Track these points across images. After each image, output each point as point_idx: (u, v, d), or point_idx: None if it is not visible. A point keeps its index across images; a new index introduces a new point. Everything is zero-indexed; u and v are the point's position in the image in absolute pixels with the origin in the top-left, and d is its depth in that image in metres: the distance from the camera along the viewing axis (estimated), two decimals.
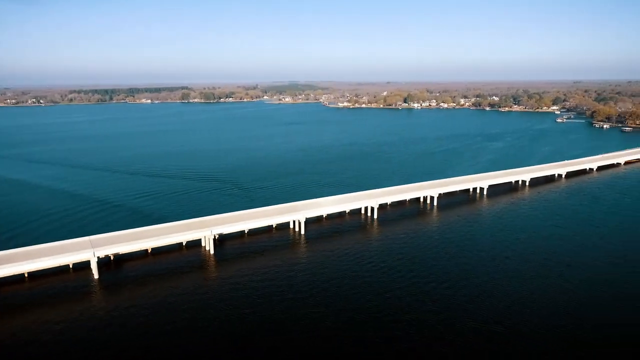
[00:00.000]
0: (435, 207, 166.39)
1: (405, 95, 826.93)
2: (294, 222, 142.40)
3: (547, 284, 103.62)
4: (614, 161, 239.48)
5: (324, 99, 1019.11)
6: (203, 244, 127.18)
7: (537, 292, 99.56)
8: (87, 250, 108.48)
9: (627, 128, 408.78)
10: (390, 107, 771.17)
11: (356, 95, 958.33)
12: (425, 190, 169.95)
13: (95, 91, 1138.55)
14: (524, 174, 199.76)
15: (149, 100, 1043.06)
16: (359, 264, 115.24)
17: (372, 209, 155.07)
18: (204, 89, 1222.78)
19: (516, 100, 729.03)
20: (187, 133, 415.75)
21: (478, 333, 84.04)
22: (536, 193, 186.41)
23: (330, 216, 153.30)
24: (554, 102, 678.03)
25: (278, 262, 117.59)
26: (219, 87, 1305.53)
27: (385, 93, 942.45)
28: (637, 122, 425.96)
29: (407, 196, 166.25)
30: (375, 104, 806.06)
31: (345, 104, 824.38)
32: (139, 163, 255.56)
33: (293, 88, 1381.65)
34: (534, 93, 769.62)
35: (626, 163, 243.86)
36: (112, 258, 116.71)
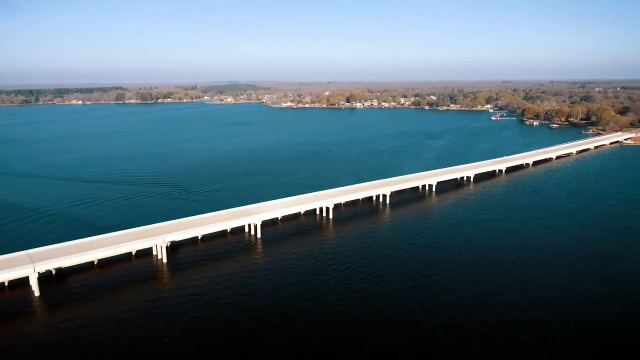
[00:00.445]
0: (388, 205, 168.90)
1: (348, 95, 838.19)
2: (249, 225, 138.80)
3: (502, 276, 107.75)
4: (547, 156, 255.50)
5: (266, 99, 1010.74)
6: (154, 253, 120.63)
7: (494, 284, 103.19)
8: (26, 265, 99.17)
9: (554, 125, 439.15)
10: (334, 106, 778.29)
11: (299, 95, 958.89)
12: (378, 188, 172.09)
13: (19, 92, 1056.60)
14: (469, 171, 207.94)
15: (81, 101, 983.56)
16: (320, 266, 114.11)
17: (328, 209, 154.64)
18: (140, 89, 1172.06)
19: (453, 99, 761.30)
20: (126, 135, 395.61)
21: (447, 329, 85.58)
22: (481, 188, 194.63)
23: (285, 218, 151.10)
24: (487, 101, 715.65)
25: (237, 267, 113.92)
26: (156, 87, 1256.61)
27: (327, 93, 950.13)
28: (563, 119, 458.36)
29: (361, 195, 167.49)
30: (318, 103, 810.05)
31: (289, 103, 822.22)
32: (76, 168, 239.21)
33: (234, 88, 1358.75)
34: (469, 92, 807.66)
35: (557, 158, 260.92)
36: (54, 273, 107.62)
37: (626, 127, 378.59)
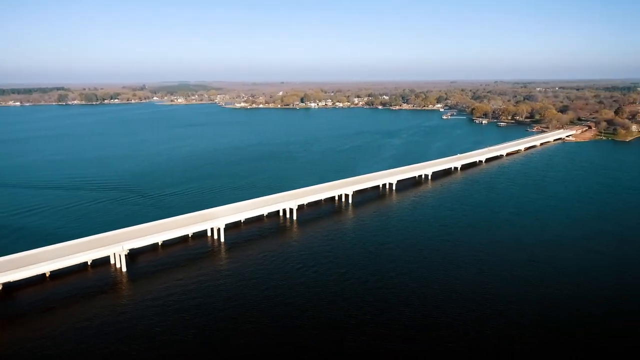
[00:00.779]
0: (350, 205, 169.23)
1: (302, 95, 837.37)
2: (211, 229, 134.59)
3: (468, 271, 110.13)
4: (498, 153, 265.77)
5: (219, 99, 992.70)
6: (112, 262, 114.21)
7: (461, 279, 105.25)
8: None
9: (501, 123, 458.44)
10: (288, 107, 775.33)
11: (252, 96, 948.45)
12: (341, 188, 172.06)
13: None
14: (427, 169, 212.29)
15: (19, 103, 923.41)
16: (288, 269, 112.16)
17: (291, 210, 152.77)
18: (84, 89, 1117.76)
19: (405, 99, 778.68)
20: (72, 138, 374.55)
21: (422, 327, 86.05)
22: (439, 185, 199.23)
23: (248, 220, 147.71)
24: (438, 101, 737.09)
25: (201, 273, 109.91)
26: (101, 88, 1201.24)
27: (281, 93, 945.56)
28: (509, 118, 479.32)
29: (324, 195, 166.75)
30: (272, 104, 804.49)
31: (243, 104, 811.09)
32: (18, 174, 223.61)
33: (184, 88, 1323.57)
34: (420, 92, 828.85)
35: (507, 154, 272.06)
36: (0, 288, 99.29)
37: (567, 124, 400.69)
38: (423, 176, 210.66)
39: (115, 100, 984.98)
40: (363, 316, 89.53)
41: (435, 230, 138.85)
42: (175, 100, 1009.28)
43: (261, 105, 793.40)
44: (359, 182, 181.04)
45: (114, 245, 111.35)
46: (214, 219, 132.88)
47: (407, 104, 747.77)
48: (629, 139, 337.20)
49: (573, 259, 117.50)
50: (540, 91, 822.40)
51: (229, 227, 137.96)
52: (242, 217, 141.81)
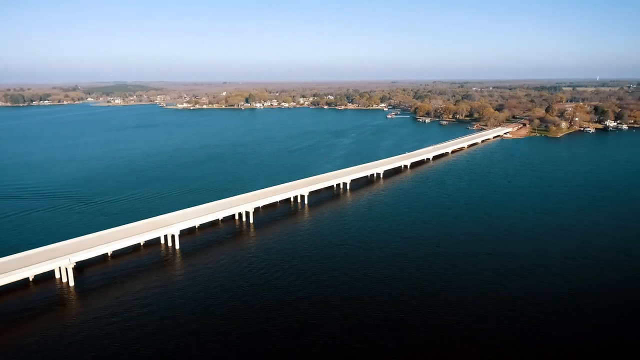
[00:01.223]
0: (306, 206, 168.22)
1: (247, 95, 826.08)
2: (165, 237, 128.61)
3: (428, 267, 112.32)
4: (444, 151, 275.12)
5: (159, 99, 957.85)
6: (58, 276, 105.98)
7: (423, 275, 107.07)
8: None
9: (444, 121, 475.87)
10: (233, 107, 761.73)
11: (195, 96, 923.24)
12: (296, 189, 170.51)
13: None
14: (378, 167, 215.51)
15: None
16: (249, 274, 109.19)
17: (247, 213, 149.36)
18: (9, 90, 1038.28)
19: (350, 98, 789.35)
20: None
21: (391, 327, 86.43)
22: (391, 184, 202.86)
23: (203, 226, 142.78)
24: (382, 100, 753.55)
25: (156, 284, 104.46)
26: (28, 88, 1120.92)
27: (225, 93, 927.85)
28: (450, 117, 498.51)
29: (280, 197, 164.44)
30: (216, 104, 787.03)
31: (185, 104, 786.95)
32: None
33: (121, 89, 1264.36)
34: (364, 92, 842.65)
35: (452, 152, 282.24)
36: None
37: (503, 122, 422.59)
38: (375, 175, 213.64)
39: (45, 101, 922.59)
40: (329, 319, 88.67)
41: (393, 228, 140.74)
42: (112, 101, 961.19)
43: (205, 106, 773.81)
44: (314, 183, 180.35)
45: (60, 259, 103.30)
46: (168, 226, 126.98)
47: (352, 103, 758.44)
48: (559, 135, 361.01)
49: (524, 248, 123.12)
50: (476, 91, 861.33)
51: (184, 234, 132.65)
52: (197, 222, 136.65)
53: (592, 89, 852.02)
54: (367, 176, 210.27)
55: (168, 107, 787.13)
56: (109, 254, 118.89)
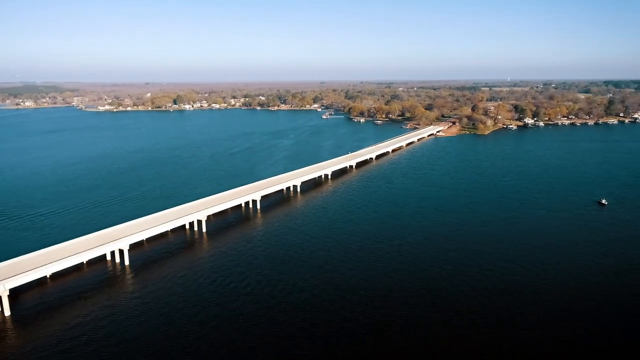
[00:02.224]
0: (259, 211, 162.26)
1: (174, 96, 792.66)
2: (112, 253, 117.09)
3: (393, 269, 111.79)
4: (385, 150, 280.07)
5: (77, 102, 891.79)
6: None
7: (387, 277, 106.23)
8: None
9: (378, 121, 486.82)
10: (160, 109, 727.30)
11: (117, 97, 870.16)
12: (248, 194, 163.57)
13: None
14: (327, 168, 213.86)
15: None
16: (205, 288, 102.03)
17: (200, 222, 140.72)
18: None
19: (282, 99, 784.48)
20: None
21: (343, 331, 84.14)
22: (340, 184, 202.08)
23: (152, 238, 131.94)
24: (314, 101, 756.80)
25: (107, 306, 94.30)
26: None
27: (149, 94, 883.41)
28: (384, 116, 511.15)
29: (233, 203, 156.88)
30: (142, 106, 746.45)
31: (107, 107, 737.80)
32: None
33: (31, 90, 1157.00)
34: (296, 93, 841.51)
35: (393, 151, 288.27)
36: None
37: (434, 121, 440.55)
38: (323, 176, 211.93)
39: None
40: (295, 332, 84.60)
41: (350, 230, 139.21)
42: (22, 103, 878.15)
43: (129, 108, 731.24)
44: (265, 187, 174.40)
45: None
46: (115, 240, 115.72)
47: (285, 104, 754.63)
48: (487, 132, 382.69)
49: (476, 242, 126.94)
50: (403, 91, 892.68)
51: (132, 248, 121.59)
52: (147, 234, 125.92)
53: (507, 88, 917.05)
54: (315, 178, 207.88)
55: (88, 109, 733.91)
56: (48, 277, 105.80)
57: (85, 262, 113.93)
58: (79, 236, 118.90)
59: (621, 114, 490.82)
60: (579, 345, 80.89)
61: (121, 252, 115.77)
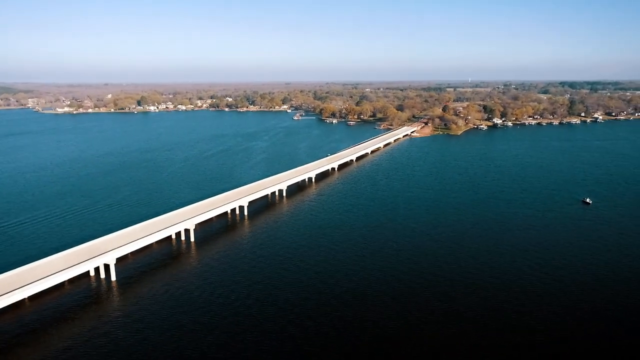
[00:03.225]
0: (246, 217, 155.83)
1: (138, 97, 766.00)
2: (96, 269, 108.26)
3: (392, 271, 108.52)
4: (365, 152, 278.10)
5: (32, 103, 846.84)
6: None
7: (383, 283, 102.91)
8: None
9: (351, 122, 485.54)
10: (124, 111, 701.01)
11: (76, 99, 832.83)
12: (235, 201, 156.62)
13: None
14: (310, 172, 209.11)
15: None
16: (202, 304, 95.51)
17: (188, 231, 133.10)
18: None
19: (250, 100, 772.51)
20: None
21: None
22: (326, 186, 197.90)
23: (137, 251, 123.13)
24: (284, 102, 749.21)
25: (91, 327, 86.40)
26: None
27: (110, 96, 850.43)
28: (356, 117, 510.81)
29: (221, 210, 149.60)
30: (104, 108, 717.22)
31: (67, 109, 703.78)
32: None
33: None
34: (265, 94, 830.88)
35: (372, 152, 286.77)
36: None
37: (406, 121, 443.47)
38: (307, 179, 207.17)
39: None
40: (282, 347, 79.98)
41: (343, 234, 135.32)
42: None
43: (90, 110, 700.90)
44: (251, 192, 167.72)
45: None
46: (100, 255, 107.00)
47: (254, 105, 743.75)
48: (459, 132, 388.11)
49: (473, 242, 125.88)
50: (370, 92, 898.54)
51: (117, 261, 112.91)
52: (134, 246, 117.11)
53: (470, 89, 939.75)
54: (299, 181, 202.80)
55: (45, 111, 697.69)
56: (26, 299, 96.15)
57: (66, 281, 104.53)
58: (57, 249, 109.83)
59: (582, 114, 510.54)
60: (579, 345, 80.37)
61: (106, 267, 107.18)
